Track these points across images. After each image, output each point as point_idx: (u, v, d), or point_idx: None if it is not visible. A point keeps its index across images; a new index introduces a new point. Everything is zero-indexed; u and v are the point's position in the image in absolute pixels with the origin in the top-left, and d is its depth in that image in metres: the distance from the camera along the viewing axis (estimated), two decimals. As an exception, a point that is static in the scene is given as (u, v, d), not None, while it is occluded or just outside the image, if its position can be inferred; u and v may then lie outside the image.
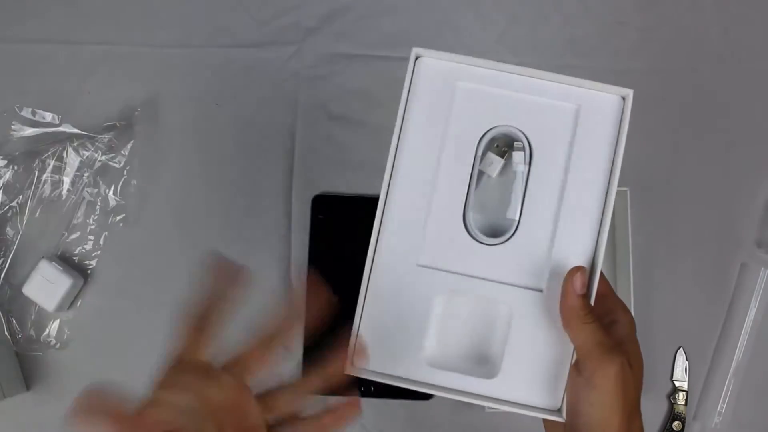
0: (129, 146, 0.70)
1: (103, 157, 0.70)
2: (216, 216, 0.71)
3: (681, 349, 0.68)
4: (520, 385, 0.43)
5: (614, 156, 0.44)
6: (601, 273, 0.43)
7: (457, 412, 0.68)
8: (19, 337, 0.69)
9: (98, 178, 0.71)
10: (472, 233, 0.44)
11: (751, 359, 0.67)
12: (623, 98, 0.45)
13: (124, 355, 0.70)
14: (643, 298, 0.66)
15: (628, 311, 0.45)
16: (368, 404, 0.68)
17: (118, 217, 0.70)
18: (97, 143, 0.70)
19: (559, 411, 0.42)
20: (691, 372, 0.67)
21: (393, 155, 0.44)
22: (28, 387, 0.69)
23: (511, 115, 0.45)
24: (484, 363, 0.44)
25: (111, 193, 0.70)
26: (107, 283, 0.71)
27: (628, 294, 0.64)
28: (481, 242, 0.44)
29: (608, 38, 0.73)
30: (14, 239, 0.70)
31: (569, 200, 0.44)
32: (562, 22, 0.73)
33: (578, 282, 0.41)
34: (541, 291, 0.43)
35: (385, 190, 0.43)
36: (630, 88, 0.45)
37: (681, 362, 0.67)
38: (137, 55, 0.74)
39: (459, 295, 0.44)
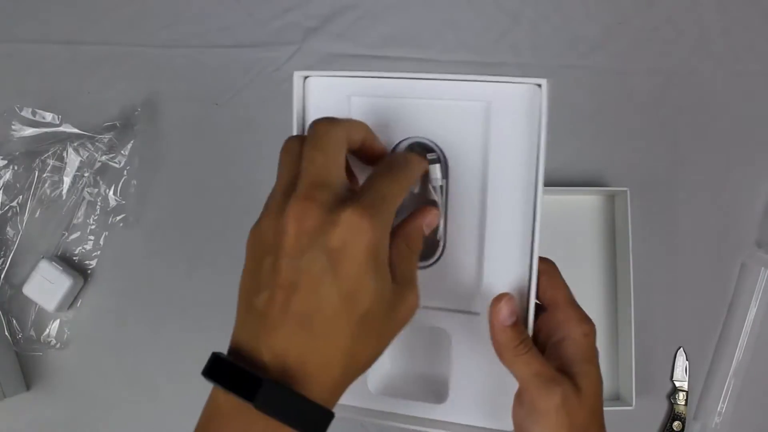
0: (129, 146, 0.70)
1: (103, 157, 0.70)
2: (216, 216, 0.71)
3: (681, 349, 0.68)
4: (471, 408, 0.40)
5: (537, 154, 0.37)
6: (556, 276, 0.39)
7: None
8: (19, 337, 0.69)
9: (98, 178, 0.71)
10: None
11: (751, 359, 0.67)
12: (539, 86, 0.37)
13: (124, 355, 0.70)
14: (643, 298, 0.66)
15: (585, 322, 0.39)
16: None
17: (118, 217, 0.70)
18: (97, 143, 0.70)
19: None
20: (691, 372, 0.67)
21: None
22: (28, 387, 0.69)
23: (418, 125, 0.39)
24: (432, 387, 0.41)
25: (111, 193, 0.70)
26: (107, 283, 0.71)
27: (628, 294, 0.64)
28: None
29: (608, 38, 0.73)
30: (14, 239, 0.70)
31: (493, 210, 0.39)
32: (562, 22, 0.73)
33: (504, 312, 0.37)
34: (477, 314, 0.39)
35: None
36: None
37: (681, 362, 0.67)
38: (137, 55, 0.74)
39: None
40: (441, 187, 0.40)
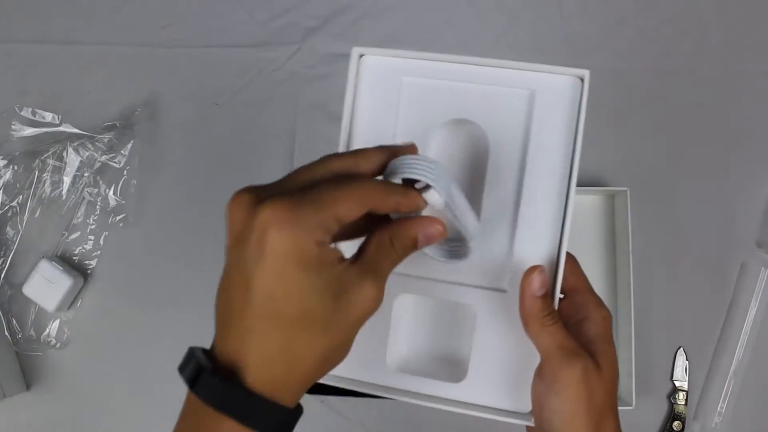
0: (129, 146, 0.70)
1: (103, 157, 0.70)
2: (216, 216, 0.71)
3: (681, 349, 0.67)
4: (488, 388, 0.41)
5: (574, 144, 0.40)
6: (575, 266, 0.41)
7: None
8: (19, 337, 0.69)
9: (98, 178, 0.71)
10: None
11: (751, 359, 0.67)
12: (581, 80, 0.41)
13: (124, 355, 0.70)
14: (643, 298, 0.66)
15: (603, 306, 0.41)
16: (368, 404, 0.68)
17: (118, 217, 0.70)
18: (97, 143, 0.70)
19: (529, 414, 0.40)
20: (691, 372, 0.67)
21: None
22: (28, 387, 0.69)
23: (462, 107, 0.41)
24: (450, 366, 0.42)
25: (111, 193, 0.70)
26: (107, 283, 0.71)
27: (628, 294, 0.64)
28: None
29: (608, 38, 0.73)
30: (14, 239, 0.70)
31: (529, 194, 0.40)
32: (562, 22, 0.73)
33: (536, 282, 0.38)
34: (504, 291, 0.41)
35: None
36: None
37: (681, 362, 0.67)
38: (137, 55, 0.74)
39: (422, 299, 0.42)
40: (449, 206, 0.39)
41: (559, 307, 0.40)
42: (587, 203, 0.69)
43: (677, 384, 0.67)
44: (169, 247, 0.71)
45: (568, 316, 0.40)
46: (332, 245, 0.31)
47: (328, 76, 0.73)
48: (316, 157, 0.33)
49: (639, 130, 0.71)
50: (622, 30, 0.73)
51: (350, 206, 0.31)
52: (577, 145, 0.40)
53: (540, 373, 0.39)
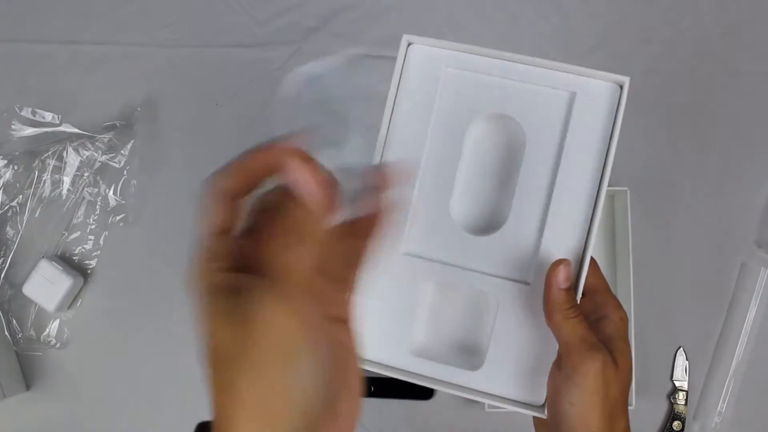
0: (129, 146, 0.70)
1: (103, 157, 0.70)
2: (216, 216, 0.71)
3: (681, 349, 0.67)
4: (504, 378, 0.42)
5: (608, 147, 0.42)
6: (596, 267, 0.42)
7: (457, 411, 0.68)
8: (19, 337, 0.69)
9: (98, 177, 0.71)
10: (459, 223, 0.43)
11: (751, 359, 0.67)
12: (620, 86, 0.43)
13: (124, 355, 0.70)
14: (643, 298, 0.66)
15: (621, 308, 0.43)
16: (368, 404, 0.68)
17: (118, 217, 0.70)
18: (97, 143, 0.70)
19: (542, 407, 0.41)
20: (691, 372, 0.67)
21: (382, 144, 0.43)
22: (28, 387, 0.69)
23: (502, 102, 0.43)
24: (469, 354, 0.43)
25: (111, 193, 0.70)
26: (107, 283, 0.71)
27: (628, 294, 0.64)
28: (468, 232, 0.43)
29: (608, 38, 0.73)
30: (14, 239, 0.70)
31: (560, 191, 0.42)
32: (562, 22, 0.73)
33: (561, 275, 0.39)
34: (528, 284, 0.42)
35: None
36: (630, 88, 0.45)
37: (681, 362, 0.67)
38: (137, 55, 0.74)
39: (446, 285, 0.43)
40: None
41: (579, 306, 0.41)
42: (587, 203, 0.69)
43: (677, 384, 0.67)
44: (169, 247, 0.71)
45: (587, 314, 0.41)
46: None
47: (328, 76, 0.73)
48: (315, 158, 0.32)
49: (639, 130, 0.71)
50: (622, 30, 0.73)
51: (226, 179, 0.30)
52: (611, 148, 0.41)
53: (559, 364, 0.40)
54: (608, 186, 0.69)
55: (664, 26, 0.73)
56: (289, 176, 0.29)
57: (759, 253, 0.68)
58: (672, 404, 0.67)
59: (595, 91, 0.43)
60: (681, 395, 0.66)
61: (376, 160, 0.43)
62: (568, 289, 0.39)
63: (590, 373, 0.38)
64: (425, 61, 0.43)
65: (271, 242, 0.28)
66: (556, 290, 0.39)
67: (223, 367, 0.26)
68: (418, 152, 0.43)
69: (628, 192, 0.65)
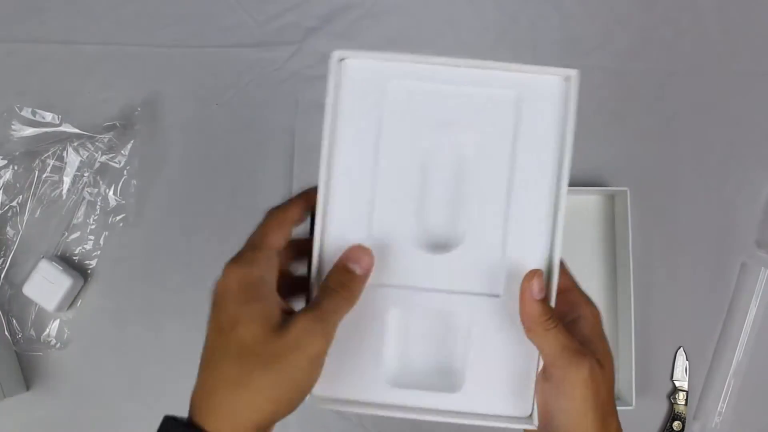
0: (129, 146, 0.70)
1: (103, 157, 0.70)
2: (216, 216, 0.71)
3: (681, 349, 0.67)
4: (487, 395, 0.41)
5: (563, 143, 0.40)
6: (563, 267, 0.41)
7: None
8: (19, 337, 0.69)
9: (98, 178, 0.71)
10: (418, 243, 0.41)
11: (751, 359, 0.67)
12: (568, 79, 0.40)
13: (124, 355, 0.70)
14: (643, 298, 0.66)
15: (592, 304, 0.42)
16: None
17: (118, 217, 0.70)
18: (97, 143, 0.70)
19: (530, 417, 0.40)
20: (691, 372, 0.67)
21: (324, 173, 0.40)
22: (28, 387, 0.69)
23: (450, 110, 0.41)
24: (447, 377, 0.41)
25: (111, 193, 0.70)
26: (107, 283, 0.71)
27: (628, 294, 0.64)
28: (428, 252, 0.41)
29: (608, 38, 0.73)
30: (14, 239, 0.70)
31: (519, 196, 0.40)
32: (562, 22, 0.73)
33: (535, 287, 0.38)
34: (497, 296, 0.40)
35: (321, 211, 0.40)
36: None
37: (681, 362, 0.67)
38: (137, 55, 0.74)
39: (413, 310, 0.41)
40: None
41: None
42: (587, 203, 0.69)
43: (677, 384, 0.67)
44: (169, 247, 0.71)
45: (562, 316, 0.40)
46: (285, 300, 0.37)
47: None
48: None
49: (639, 130, 0.71)
50: (622, 30, 0.73)
51: (271, 232, 0.38)
52: (567, 145, 0.39)
53: (545, 375, 0.39)
54: (608, 186, 0.69)
55: (664, 26, 0.73)
56: None
57: (759, 253, 0.68)
58: (672, 404, 0.67)
59: (543, 88, 0.40)
60: (681, 395, 0.66)
61: (320, 186, 0.40)
62: (543, 300, 0.38)
63: (579, 381, 0.37)
64: (364, 76, 0.41)
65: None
66: (531, 303, 0.38)
67: (244, 356, 0.33)
68: (367, 176, 0.41)
69: (628, 192, 0.65)
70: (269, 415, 0.34)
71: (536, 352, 0.40)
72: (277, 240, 0.38)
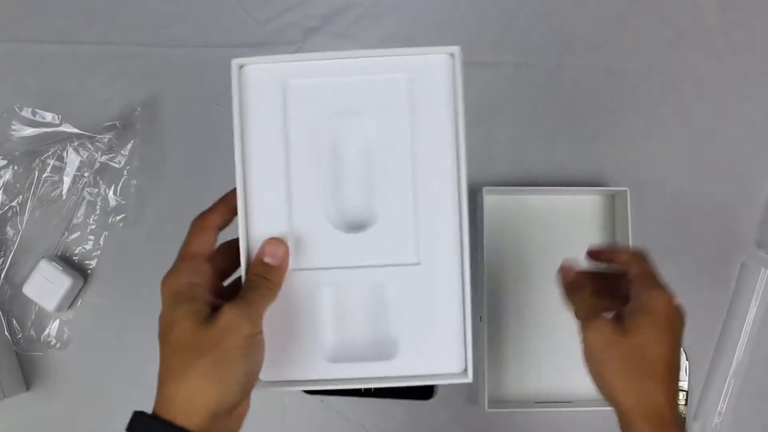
0: (129, 146, 0.70)
1: (103, 157, 0.70)
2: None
3: (681, 349, 0.67)
4: (422, 357, 0.43)
5: (456, 116, 0.43)
6: (642, 256, 0.48)
7: (457, 411, 0.68)
8: (19, 337, 0.69)
9: (98, 178, 0.71)
10: (337, 226, 0.44)
11: (751, 359, 0.67)
12: (452, 56, 0.43)
13: (124, 355, 0.70)
14: (643, 298, 0.66)
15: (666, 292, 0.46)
16: (368, 405, 0.68)
17: (118, 217, 0.70)
18: (97, 143, 0.70)
19: (464, 373, 0.43)
20: (691, 372, 0.67)
21: (240, 174, 0.43)
22: (28, 387, 0.69)
23: (349, 100, 0.44)
24: (382, 346, 0.44)
25: (111, 193, 0.70)
26: (107, 283, 0.71)
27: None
28: (348, 232, 0.44)
29: (608, 38, 0.73)
30: (14, 239, 0.70)
31: (423, 169, 0.43)
32: (562, 22, 0.73)
33: (570, 271, 0.47)
34: (418, 264, 0.43)
35: (243, 210, 0.43)
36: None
37: (681, 362, 0.67)
38: (137, 55, 0.74)
39: (343, 288, 0.44)
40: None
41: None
42: (587, 203, 0.69)
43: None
44: (170, 247, 0.71)
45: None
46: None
47: (328, 76, 0.73)
48: None
49: (639, 130, 0.71)
50: (622, 30, 0.73)
51: (194, 240, 0.43)
52: (460, 118, 0.42)
53: (623, 311, 0.43)
54: (608, 186, 0.69)
55: (664, 26, 0.73)
56: None
57: (759, 253, 0.68)
58: (672, 404, 0.67)
59: (430, 68, 0.43)
60: (681, 395, 0.66)
61: (238, 187, 0.43)
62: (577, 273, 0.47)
63: (663, 303, 0.43)
64: (265, 80, 0.44)
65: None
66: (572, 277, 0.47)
67: (182, 350, 0.37)
68: (280, 170, 0.43)
69: (628, 192, 0.65)
70: (217, 398, 0.36)
71: (460, 315, 0.43)
72: (201, 246, 0.42)
